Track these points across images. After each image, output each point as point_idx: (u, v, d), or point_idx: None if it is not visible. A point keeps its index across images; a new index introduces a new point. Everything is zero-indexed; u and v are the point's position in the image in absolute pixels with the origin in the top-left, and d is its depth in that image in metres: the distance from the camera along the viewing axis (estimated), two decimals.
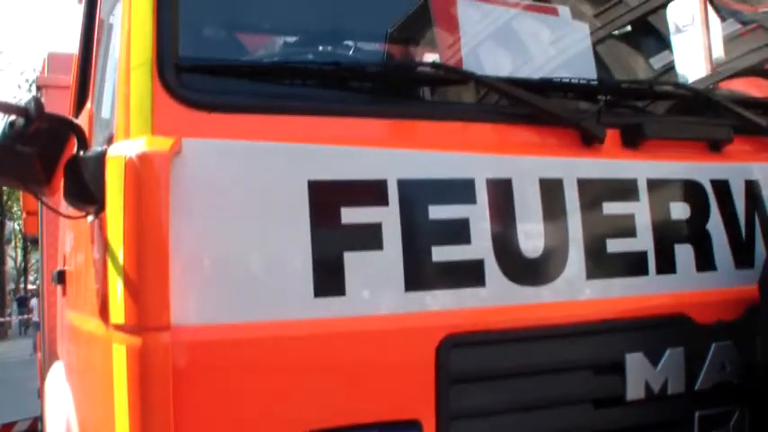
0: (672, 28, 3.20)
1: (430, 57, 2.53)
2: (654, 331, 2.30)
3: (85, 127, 2.59)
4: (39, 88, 6.63)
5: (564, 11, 2.66)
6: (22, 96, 42.54)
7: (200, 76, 2.04)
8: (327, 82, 2.18)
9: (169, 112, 1.96)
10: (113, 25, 2.51)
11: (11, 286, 46.79)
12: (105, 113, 2.44)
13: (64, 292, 3.55)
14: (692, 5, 3.22)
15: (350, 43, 2.84)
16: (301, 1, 2.68)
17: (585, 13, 3.00)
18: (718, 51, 3.25)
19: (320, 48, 2.75)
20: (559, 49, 2.55)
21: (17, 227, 39.89)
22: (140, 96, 2.00)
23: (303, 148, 2.00)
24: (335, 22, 2.79)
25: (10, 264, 46.37)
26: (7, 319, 38.22)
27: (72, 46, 4.28)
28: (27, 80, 42.11)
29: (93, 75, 2.91)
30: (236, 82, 2.10)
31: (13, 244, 47.79)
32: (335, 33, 2.83)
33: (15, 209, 39.42)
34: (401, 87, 2.25)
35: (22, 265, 47.71)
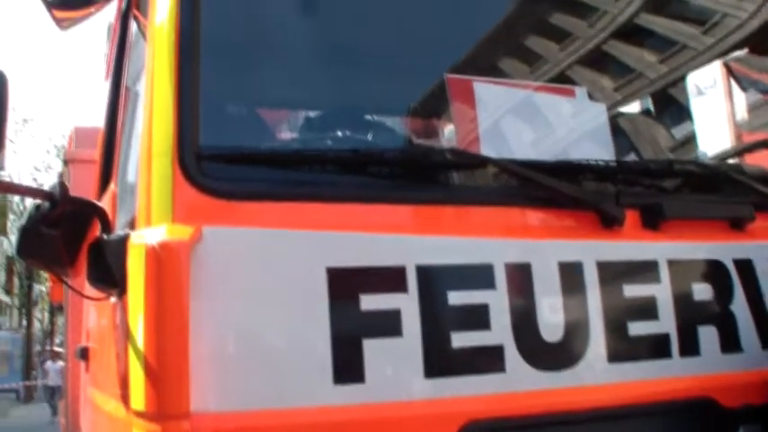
0: (692, 91, 3.22)
1: (448, 137, 2.56)
2: (679, 416, 2.26)
3: (109, 209, 2.64)
4: (66, 163, 6.75)
5: (581, 91, 2.69)
6: (50, 161, 43.39)
7: (220, 164, 2.07)
8: (345, 169, 2.20)
9: (190, 200, 2.00)
10: (137, 108, 2.58)
11: (37, 348, 46.96)
12: (128, 196, 2.48)
13: (87, 368, 3.57)
14: (713, 71, 3.25)
15: (367, 120, 2.87)
16: (320, 79, 2.72)
17: (605, 86, 3.03)
18: (742, 116, 3.26)
19: (339, 125, 2.79)
20: (577, 130, 2.57)
21: (44, 289, 40.21)
22: (161, 184, 2.04)
23: (321, 236, 2.02)
24: (354, 100, 2.84)
25: (36, 326, 46.62)
26: (33, 382, 38.24)
27: (98, 120, 4.39)
28: (55, 146, 42.87)
29: (116, 154, 2.97)
30: (255, 169, 2.13)
31: (39, 306, 48.11)
32: (353, 111, 2.87)
33: (43, 272, 39.82)
34: (418, 173, 2.26)
35: (49, 327, 47.96)
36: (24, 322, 43.41)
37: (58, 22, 3.23)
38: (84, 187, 4.63)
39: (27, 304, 42.17)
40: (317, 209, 2.08)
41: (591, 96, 2.71)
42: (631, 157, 2.79)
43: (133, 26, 3.02)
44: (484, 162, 2.34)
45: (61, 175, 7.66)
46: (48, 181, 41.20)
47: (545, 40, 2.99)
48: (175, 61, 2.17)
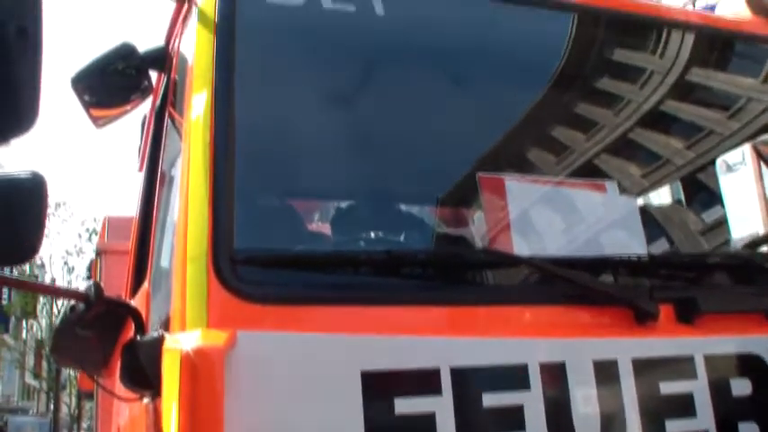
0: (722, 174, 3.22)
1: (479, 233, 2.58)
2: None
3: (142, 308, 2.67)
4: (98, 254, 6.84)
5: (612, 186, 2.71)
6: (83, 245, 43.88)
7: (254, 268, 2.09)
8: (377, 271, 2.22)
9: (224, 304, 2.02)
10: (171, 205, 2.63)
11: None
12: (162, 297, 2.50)
13: None
14: (741, 153, 3.26)
15: (399, 212, 2.91)
16: (353, 172, 2.77)
17: (633, 174, 3.04)
18: None
19: (372, 216, 2.83)
20: (609, 225, 2.58)
21: (72, 373, 40.25)
22: (196, 288, 2.06)
23: (355, 339, 2.02)
24: (385, 192, 2.88)
25: (64, 410, 46.47)
26: None
27: (131, 210, 4.47)
28: (87, 230, 43.43)
29: (150, 252, 3.01)
30: (289, 272, 2.16)
31: (67, 390, 48.04)
32: (386, 202, 2.91)
33: None
34: (451, 273, 2.28)
35: (76, 412, 47.83)
36: (52, 407, 43.30)
37: (95, 120, 3.31)
38: (116, 279, 4.69)
39: (55, 389, 42.15)
40: (350, 312, 2.09)
41: (622, 189, 2.73)
42: (664, 248, 2.78)
43: (168, 123, 3.10)
44: (516, 261, 2.35)
45: (92, 265, 7.76)
46: (79, 264, 41.64)
47: (571, 131, 3.02)
48: (210, 164, 2.22)
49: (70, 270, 48.01)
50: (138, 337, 2.36)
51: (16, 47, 2.34)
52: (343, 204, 3.05)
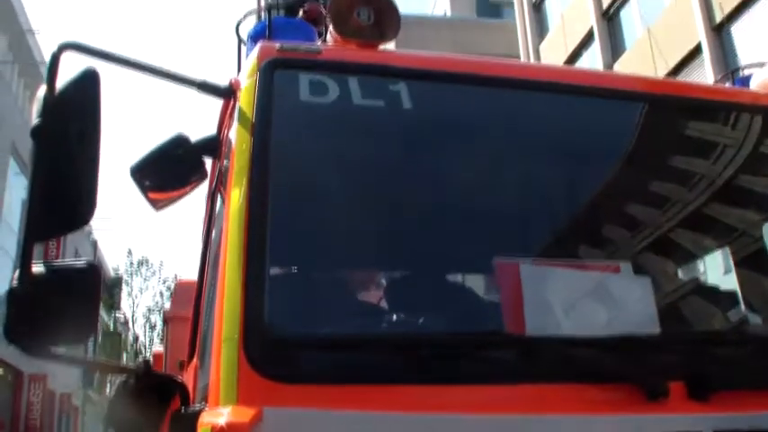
0: None
1: (494, 317, 2.70)
2: None
3: (190, 381, 2.88)
4: (165, 321, 7.10)
5: (626, 266, 2.82)
6: (164, 303, 44.94)
7: (282, 350, 2.28)
8: (398, 352, 2.38)
9: (253, 383, 2.20)
10: (216, 282, 2.84)
11: None
12: (205, 371, 2.70)
13: None
14: None
15: (420, 285, 3.05)
16: (379, 255, 2.95)
17: (646, 253, 3.10)
18: None
19: (390, 290, 2.99)
20: (621, 304, 2.68)
21: None
22: (228, 367, 2.26)
23: (378, 417, 2.17)
24: (408, 268, 3.05)
25: None
26: None
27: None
28: (168, 288, 44.48)
29: (200, 325, 3.24)
30: (315, 354, 2.34)
31: None
32: (407, 279, 3.06)
33: None
34: (467, 354, 2.42)
35: None
36: None
37: (154, 203, 3.55)
38: (180, 347, 4.90)
39: None
40: (372, 390, 2.24)
41: (636, 270, 2.83)
42: (676, 324, 2.85)
43: (219, 205, 3.34)
44: (532, 343, 2.48)
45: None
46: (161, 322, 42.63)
47: (589, 212, 3.12)
48: (244, 250, 2.44)
49: (152, 327, 49.16)
50: (183, 410, 2.56)
51: (76, 148, 2.63)
52: (368, 285, 3.22)
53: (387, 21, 3.15)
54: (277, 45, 2.98)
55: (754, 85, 3.83)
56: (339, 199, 2.78)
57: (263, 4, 8.99)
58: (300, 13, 6.97)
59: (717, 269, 3.38)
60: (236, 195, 2.58)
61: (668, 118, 3.39)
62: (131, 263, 52.04)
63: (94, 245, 42.36)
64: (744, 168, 3.29)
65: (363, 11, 3.11)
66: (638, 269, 2.84)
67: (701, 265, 3.40)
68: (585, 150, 3.14)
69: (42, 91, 2.72)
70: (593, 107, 3.22)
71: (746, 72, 4.33)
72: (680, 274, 3.32)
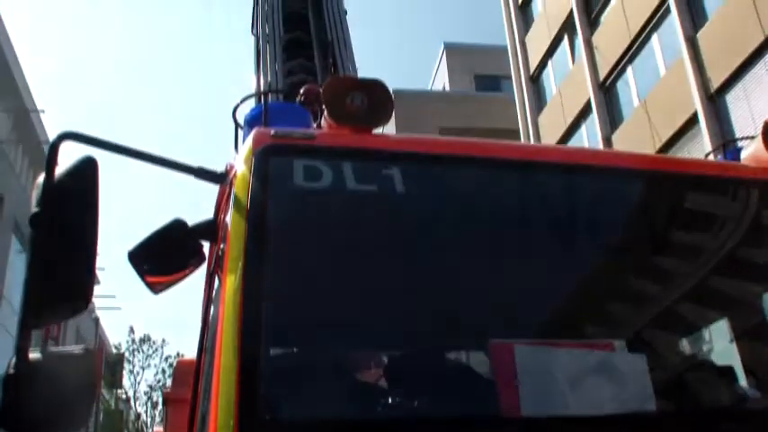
0: None
1: (489, 397, 2.70)
2: None
3: None
4: (165, 402, 7.05)
5: (620, 344, 2.82)
6: (166, 381, 44.57)
7: None
8: None
9: None
10: (212, 367, 2.85)
11: None
12: None
13: None
14: None
15: (410, 377, 3.04)
16: (369, 340, 2.98)
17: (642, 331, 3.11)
18: None
19: (383, 374, 3.00)
20: (617, 383, 2.67)
21: None
22: None
23: None
24: (402, 352, 3.06)
25: None
26: None
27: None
28: (170, 365, 44.24)
29: (197, 410, 3.23)
30: None
31: None
32: (400, 362, 3.07)
33: None
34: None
35: None
36: None
37: (152, 287, 3.57)
38: (181, 428, 4.86)
39: None
40: None
41: (630, 348, 2.84)
42: (672, 401, 2.84)
43: (216, 287, 3.35)
44: (527, 423, 2.47)
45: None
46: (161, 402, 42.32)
47: (579, 292, 3.15)
48: (239, 336, 2.45)
49: (154, 405, 48.66)
50: None
51: (74, 236, 2.67)
52: (363, 369, 3.22)
53: (380, 106, 3.21)
54: (272, 131, 3.04)
55: (744, 158, 3.89)
56: (334, 284, 2.80)
57: (262, 87, 9.17)
58: (300, 92, 7.11)
59: (713, 343, 3.37)
60: (231, 281, 2.60)
61: (657, 193, 3.44)
62: (133, 340, 51.85)
63: (96, 322, 42.19)
64: (736, 241, 3.32)
65: (357, 96, 3.18)
66: (632, 347, 2.85)
67: (697, 341, 3.40)
68: (576, 230, 3.17)
69: (41, 179, 2.76)
70: (581, 186, 3.28)
71: (740, 144, 4.39)
72: (675, 349, 3.32)
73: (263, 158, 2.89)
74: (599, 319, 3.05)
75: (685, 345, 3.39)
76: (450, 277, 2.96)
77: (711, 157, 4.58)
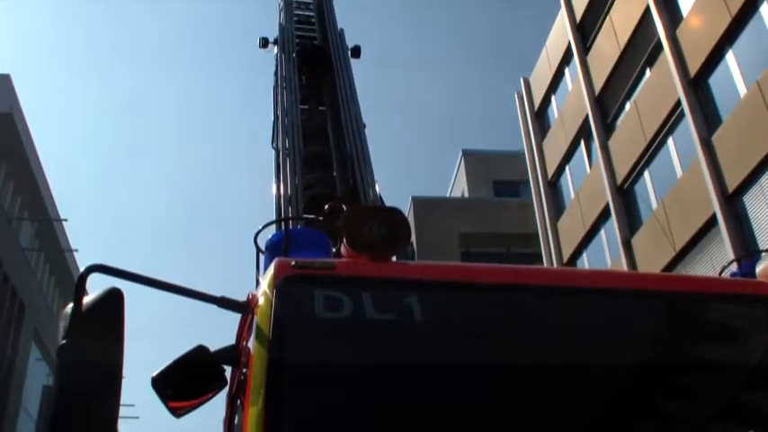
0: None
1: None
2: None
3: None
4: None
5: None
6: None
7: None
8: None
9: None
10: None
11: None
12: None
13: None
14: None
15: None
16: None
17: None
18: None
19: None
20: None
21: None
22: None
23: None
24: None
25: None
26: None
27: None
28: None
29: None
30: None
31: None
32: None
33: None
34: None
35: None
36: None
37: (174, 411, 3.59)
38: None
39: None
40: None
41: None
42: None
43: (239, 410, 3.39)
44: None
45: None
46: None
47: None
48: None
49: None
50: None
51: (99, 367, 2.72)
52: None
53: (398, 235, 3.30)
54: (293, 261, 3.12)
55: (759, 272, 3.90)
56: (354, 413, 2.83)
57: (282, 201, 9.30)
58: (325, 208, 7.25)
59: None
60: (254, 411, 2.66)
61: (675, 314, 3.45)
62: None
63: None
64: (749, 359, 3.31)
65: (375, 225, 3.27)
66: None
67: None
68: (594, 354, 3.18)
69: (69, 309, 2.84)
70: (599, 309, 3.30)
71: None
72: None
73: (285, 289, 2.96)
74: None
75: None
76: (467, 405, 2.96)
77: (727, 271, 4.57)
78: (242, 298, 3.43)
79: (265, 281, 3.12)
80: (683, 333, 3.39)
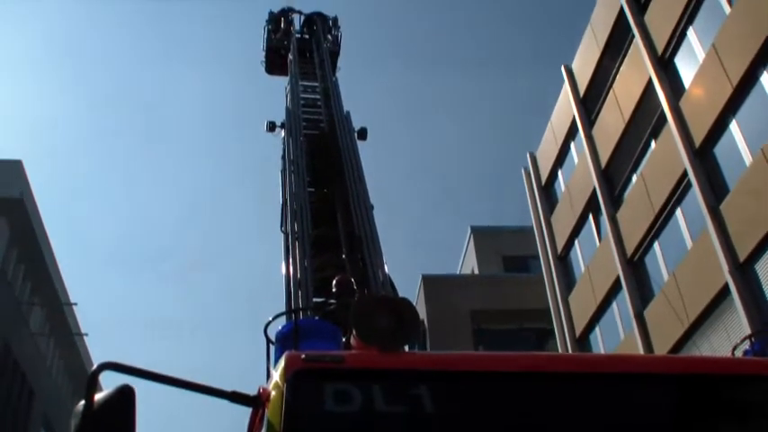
0: None
1: None
2: None
3: None
4: None
5: None
6: None
7: None
8: None
9: None
10: None
11: None
12: None
13: None
14: None
15: None
16: None
17: None
18: None
19: None
20: None
21: None
22: None
23: None
24: None
25: None
26: None
27: None
28: None
29: None
30: None
31: None
32: None
33: None
34: None
35: None
36: None
37: None
38: None
39: None
40: None
41: None
42: None
43: None
44: None
45: None
46: None
47: None
48: None
49: None
50: None
51: None
52: None
53: (408, 325, 3.30)
54: (303, 355, 3.12)
55: None
56: None
57: (291, 284, 9.34)
58: (333, 282, 7.26)
59: None
60: None
61: (691, 396, 3.42)
62: None
63: None
64: None
65: (384, 317, 3.27)
66: None
67: None
68: None
69: (80, 407, 2.84)
70: (615, 395, 3.27)
71: None
72: None
73: (295, 383, 2.96)
74: None
75: None
76: None
77: (740, 349, 4.55)
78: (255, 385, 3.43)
79: (276, 375, 3.12)
80: (700, 417, 3.35)
